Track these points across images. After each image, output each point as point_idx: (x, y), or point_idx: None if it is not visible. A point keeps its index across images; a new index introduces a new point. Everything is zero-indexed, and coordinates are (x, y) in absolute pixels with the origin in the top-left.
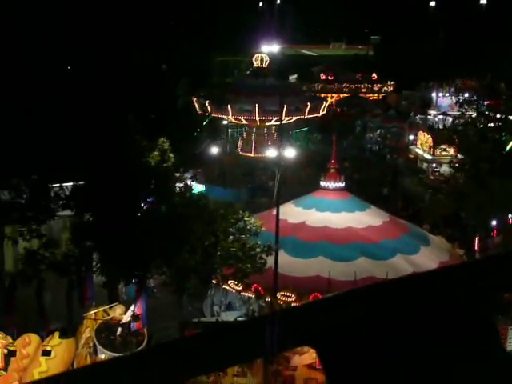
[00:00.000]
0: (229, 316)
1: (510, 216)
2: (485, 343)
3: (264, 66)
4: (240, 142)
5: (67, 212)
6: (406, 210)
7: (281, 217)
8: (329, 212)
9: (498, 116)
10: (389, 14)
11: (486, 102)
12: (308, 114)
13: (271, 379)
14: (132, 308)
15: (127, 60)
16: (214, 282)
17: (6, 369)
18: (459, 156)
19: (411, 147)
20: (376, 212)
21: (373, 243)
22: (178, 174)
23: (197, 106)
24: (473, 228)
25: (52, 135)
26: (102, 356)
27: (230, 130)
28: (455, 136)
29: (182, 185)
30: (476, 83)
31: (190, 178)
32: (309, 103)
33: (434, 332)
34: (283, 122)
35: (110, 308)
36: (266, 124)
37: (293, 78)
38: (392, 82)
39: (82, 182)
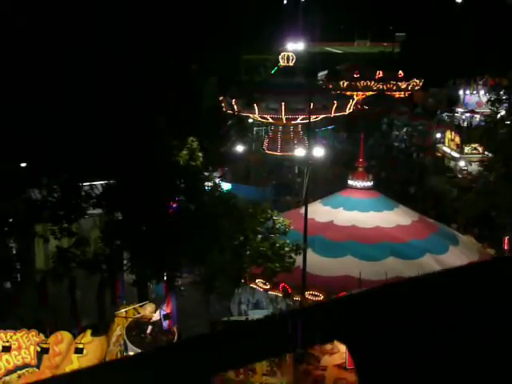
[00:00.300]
0: (256, 314)
1: None
2: None
3: (290, 64)
4: (266, 141)
5: (96, 210)
6: (435, 209)
7: (308, 216)
8: (357, 211)
9: None
10: (414, 9)
11: None
12: (335, 113)
13: (301, 379)
14: (162, 306)
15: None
16: (243, 280)
17: (38, 366)
18: (488, 154)
19: (438, 145)
20: (405, 211)
21: (401, 243)
22: (206, 173)
23: (224, 104)
24: (503, 227)
25: (83, 135)
26: (132, 354)
27: (255, 129)
28: (485, 134)
29: (210, 184)
30: (508, 81)
31: (219, 177)
32: (335, 101)
33: (468, 327)
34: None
35: (141, 306)
36: (292, 122)
37: (322, 74)
38: (419, 80)
39: (112, 181)
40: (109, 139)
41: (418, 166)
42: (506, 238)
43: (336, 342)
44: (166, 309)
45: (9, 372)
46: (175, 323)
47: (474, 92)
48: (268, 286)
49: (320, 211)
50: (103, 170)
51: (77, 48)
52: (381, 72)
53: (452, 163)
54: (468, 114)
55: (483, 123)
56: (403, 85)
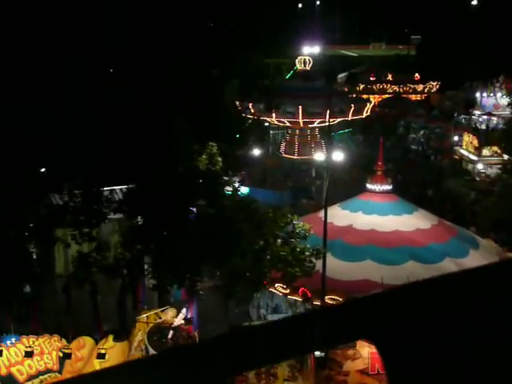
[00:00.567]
0: (276, 319)
1: None
2: None
3: (307, 67)
4: (283, 144)
5: (116, 215)
6: (452, 212)
7: (327, 219)
8: (376, 215)
9: None
10: (430, 12)
11: None
12: (352, 116)
13: None
14: (183, 311)
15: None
16: (263, 285)
17: (60, 371)
18: (506, 157)
19: (456, 148)
20: (424, 215)
21: (421, 246)
22: (226, 178)
23: (241, 108)
24: None
25: (104, 140)
26: None
27: (271, 132)
28: (503, 137)
29: (230, 188)
30: None
31: (239, 182)
32: (353, 105)
33: (502, 326)
34: (326, 124)
35: (162, 311)
36: (310, 126)
37: (342, 76)
38: (436, 83)
39: (133, 186)
40: (130, 144)
41: (436, 168)
42: None
43: (358, 348)
44: (188, 313)
45: (31, 377)
46: (196, 328)
47: (491, 94)
48: (287, 291)
49: (339, 215)
50: (124, 175)
51: (97, 51)
52: (392, 74)
53: (470, 166)
54: (485, 117)
55: (501, 125)
56: (419, 87)
